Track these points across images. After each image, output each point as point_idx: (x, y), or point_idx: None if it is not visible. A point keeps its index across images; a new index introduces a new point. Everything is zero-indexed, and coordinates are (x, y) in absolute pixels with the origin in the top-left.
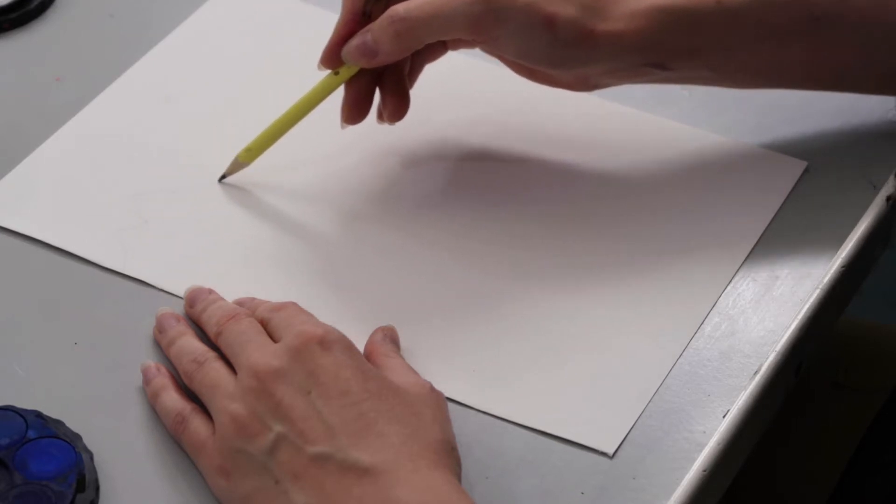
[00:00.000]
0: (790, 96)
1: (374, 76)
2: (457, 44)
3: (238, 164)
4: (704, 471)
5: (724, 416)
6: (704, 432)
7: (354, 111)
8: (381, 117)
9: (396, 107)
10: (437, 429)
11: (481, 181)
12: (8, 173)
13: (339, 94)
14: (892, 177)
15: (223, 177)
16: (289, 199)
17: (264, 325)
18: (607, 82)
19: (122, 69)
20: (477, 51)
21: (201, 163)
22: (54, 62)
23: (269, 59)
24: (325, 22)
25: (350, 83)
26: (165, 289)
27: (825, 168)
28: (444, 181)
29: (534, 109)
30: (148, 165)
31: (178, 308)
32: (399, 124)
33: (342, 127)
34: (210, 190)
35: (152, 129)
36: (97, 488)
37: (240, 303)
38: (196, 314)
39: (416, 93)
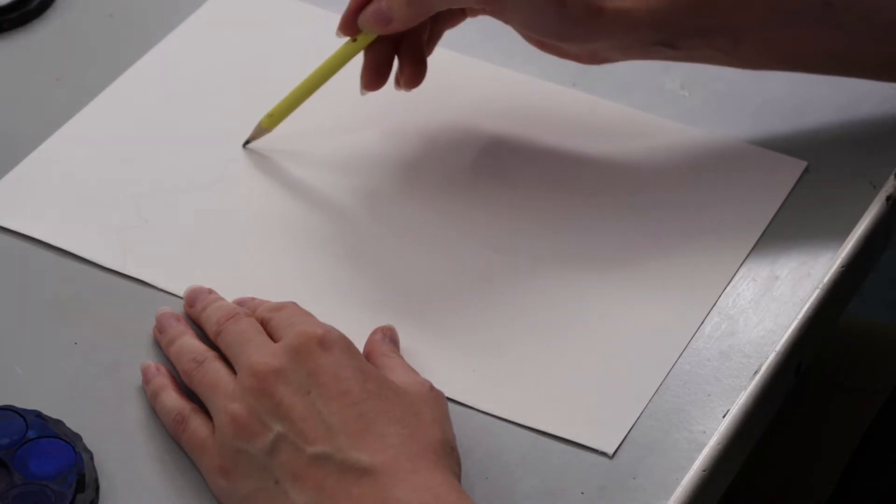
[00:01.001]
0: (790, 96)
1: (392, 43)
2: (475, 11)
3: (261, 130)
4: (704, 471)
5: (724, 416)
6: (704, 432)
7: (373, 77)
8: (398, 84)
9: (413, 74)
10: (436, 429)
11: (482, 178)
12: (8, 173)
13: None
14: (892, 177)
15: (247, 142)
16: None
17: (264, 324)
18: (616, 57)
19: (122, 69)
20: (490, 54)
21: (201, 162)
22: (54, 62)
23: (269, 59)
24: (325, 21)
25: (369, 50)
26: (165, 289)
27: (825, 168)
28: (452, 174)
29: (535, 109)
30: (148, 165)
31: (178, 308)
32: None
33: (361, 93)
34: (210, 189)
35: (152, 129)
36: (97, 488)
37: (240, 302)
38: (196, 314)
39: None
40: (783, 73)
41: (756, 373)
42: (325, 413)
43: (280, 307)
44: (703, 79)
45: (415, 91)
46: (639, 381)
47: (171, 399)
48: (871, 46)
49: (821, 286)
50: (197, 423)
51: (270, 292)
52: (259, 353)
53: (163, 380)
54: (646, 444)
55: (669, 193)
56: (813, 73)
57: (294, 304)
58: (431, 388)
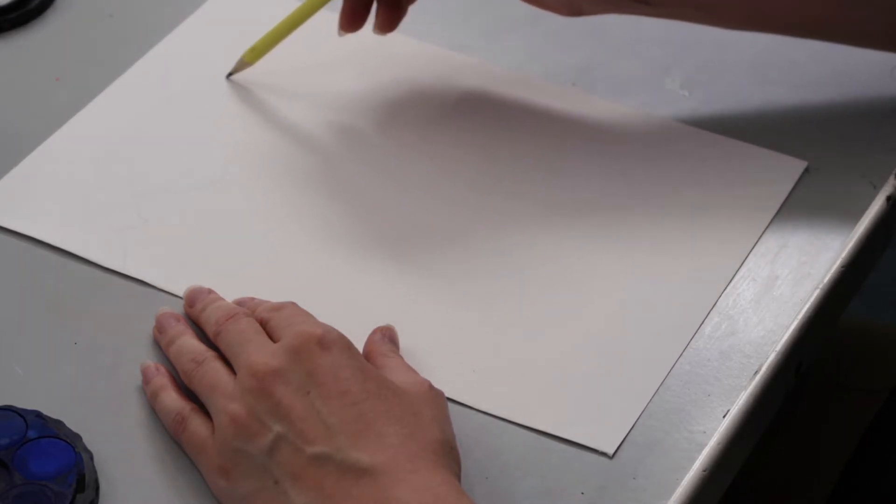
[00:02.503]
0: (790, 96)
1: None
2: None
3: (243, 64)
4: (704, 471)
5: (724, 416)
6: (704, 432)
7: (351, 19)
8: (374, 26)
9: (388, 18)
10: (436, 428)
11: (479, 177)
12: (8, 173)
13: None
14: (892, 177)
15: (230, 74)
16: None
17: (263, 324)
18: (592, 9)
19: (122, 69)
20: (490, 54)
21: (201, 162)
22: (54, 62)
23: (268, 59)
24: (324, 22)
25: None
26: (165, 289)
27: (825, 168)
28: (447, 175)
29: (535, 108)
30: (148, 165)
31: (178, 308)
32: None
33: (339, 34)
34: (210, 189)
35: (152, 129)
36: (97, 488)
37: (239, 302)
38: (195, 314)
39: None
40: (783, 71)
41: (756, 373)
42: (325, 413)
43: (279, 307)
44: (703, 79)
45: (410, 89)
46: (639, 381)
47: (171, 399)
48: (845, 14)
49: (821, 286)
50: (197, 424)
51: (270, 292)
52: (258, 353)
53: (163, 380)
54: (646, 444)
55: (669, 193)
56: (795, 37)
57: (293, 304)
58: (431, 387)
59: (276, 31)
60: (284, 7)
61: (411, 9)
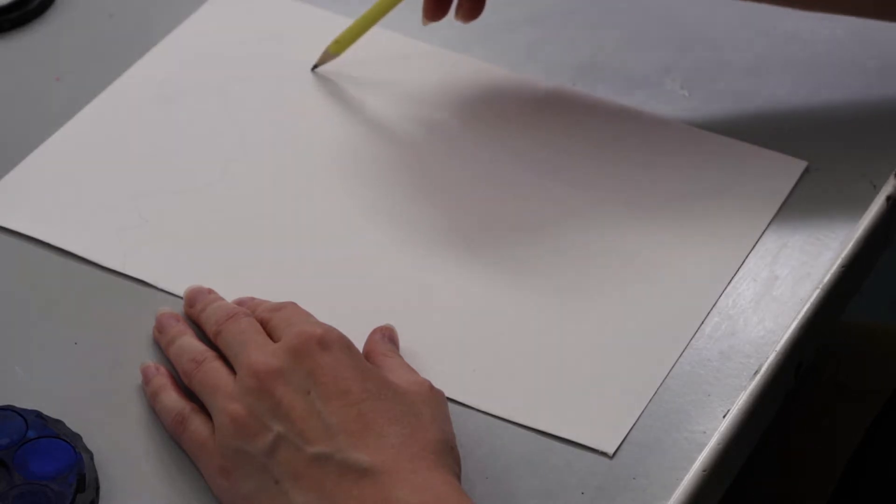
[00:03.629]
0: (790, 96)
1: None
2: None
3: (328, 56)
4: (704, 471)
5: (724, 416)
6: (704, 432)
7: (434, 8)
8: (456, 14)
9: (471, 7)
10: (436, 428)
11: (481, 176)
12: (8, 173)
13: None
14: (892, 177)
15: (315, 66)
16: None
17: (264, 324)
18: None
19: (122, 69)
20: (491, 54)
21: (201, 163)
22: (54, 62)
23: (268, 59)
24: (325, 22)
25: None
26: (165, 289)
27: (825, 168)
28: (445, 175)
29: (536, 108)
30: (148, 165)
31: (178, 308)
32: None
33: (423, 23)
34: (210, 190)
35: (152, 129)
36: (97, 488)
37: (239, 302)
38: (195, 314)
39: None
40: (783, 71)
41: (756, 373)
42: (325, 413)
43: (280, 307)
44: (703, 79)
45: (405, 93)
46: (639, 381)
47: (171, 399)
48: None
49: (821, 286)
50: (197, 424)
51: (270, 292)
52: (259, 352)
53: (162, 380)
54: (646, 444)
55: (669, 193)
56: (868, 18)
57: (294, 304)
58: (431, 387)
59: (360, 24)
60: (284, 8)
61: (410, 7)
